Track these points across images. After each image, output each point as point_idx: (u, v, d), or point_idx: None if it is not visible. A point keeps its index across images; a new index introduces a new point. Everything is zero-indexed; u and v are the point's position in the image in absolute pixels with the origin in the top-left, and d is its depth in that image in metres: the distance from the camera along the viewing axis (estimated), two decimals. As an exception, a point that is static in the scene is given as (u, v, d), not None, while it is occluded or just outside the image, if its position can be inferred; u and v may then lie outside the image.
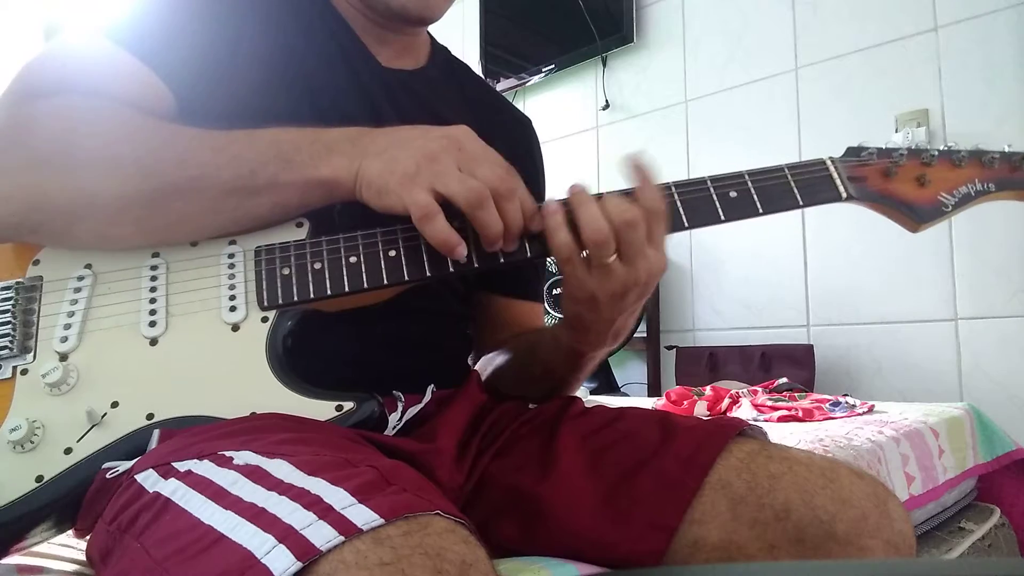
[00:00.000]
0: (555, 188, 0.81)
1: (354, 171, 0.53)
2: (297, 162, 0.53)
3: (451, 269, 0.56)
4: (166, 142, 0.54)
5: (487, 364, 0.78)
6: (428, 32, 0.79)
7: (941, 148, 0.64)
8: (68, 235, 0.55)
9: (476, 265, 0.56)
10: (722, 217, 0.59)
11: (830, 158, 0.63)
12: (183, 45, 0.60)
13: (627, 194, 0.56)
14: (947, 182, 0.63)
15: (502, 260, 0.56)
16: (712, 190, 0.59)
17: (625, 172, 0.57)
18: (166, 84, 0.59)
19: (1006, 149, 0.64)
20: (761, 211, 0.59)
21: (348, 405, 0.54)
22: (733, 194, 0.59)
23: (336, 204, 0.58)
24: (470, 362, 0.81)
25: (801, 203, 0.60)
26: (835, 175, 0.62)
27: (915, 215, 0.62)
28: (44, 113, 0.54)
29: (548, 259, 0.60)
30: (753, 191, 0.60)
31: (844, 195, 0.61)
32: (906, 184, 0.63)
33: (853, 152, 0.64)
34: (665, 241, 0.56)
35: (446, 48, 0.82)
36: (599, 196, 0.56)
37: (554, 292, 2.18)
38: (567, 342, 0.64)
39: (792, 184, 0.61)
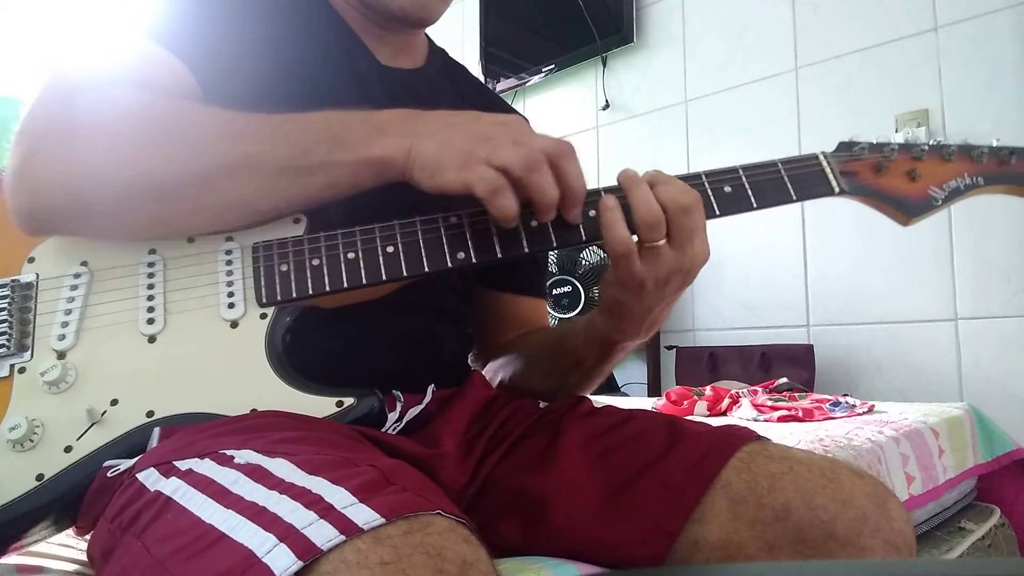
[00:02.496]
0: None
1: (406, 150, 0.53)
2: (350, 141, 0.53)
3: (449, 265, 0.56)
4: (219, 122, 0.54)
5: (499, 368, 0.77)
6: (426, 33, 0.79)
7: (931, 143, 0.64)
8: (120, 219, 0.55)
9: (474, 261, 0.56)
10: (717, 212, 0.59)
11: (823, 152, 0.63)
12: (202, 34, 0.60)
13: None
14: (937, 176, 0.63)
15: (499, 255, 0.56)
16: (707, 185, 0.60)
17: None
18: (194, 76, 0.59)
19: (994, 143, 0.64)
20: (755, 205, 0.60)
21: (348, 401, 0.54)
22: (728, 189, 0.60)
23: (333, 202, 0.58)
24: (470, 361, 0.81)
25: (795, 197, 0.61)
26: (828, 169, 0.62)
27: (906, 209, 0.63)
28: (94, 102, 0.54)
29: (550, 254, 0.60)
30: (747, 185, 0.60)
31: (837, 189, 0.62)
32: (897, 178, 0.63)
33: (845, 147, 0.64)
34: (705, 228, 0.57)
35: (443, 49, 0.82)
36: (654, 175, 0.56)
37: (555, 292, 2.18)
38: (602, 331, 0.64)
39: (785, 178, 0.61)
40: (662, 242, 0.54)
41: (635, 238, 0.55)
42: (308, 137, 0.53)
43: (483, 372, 0.80)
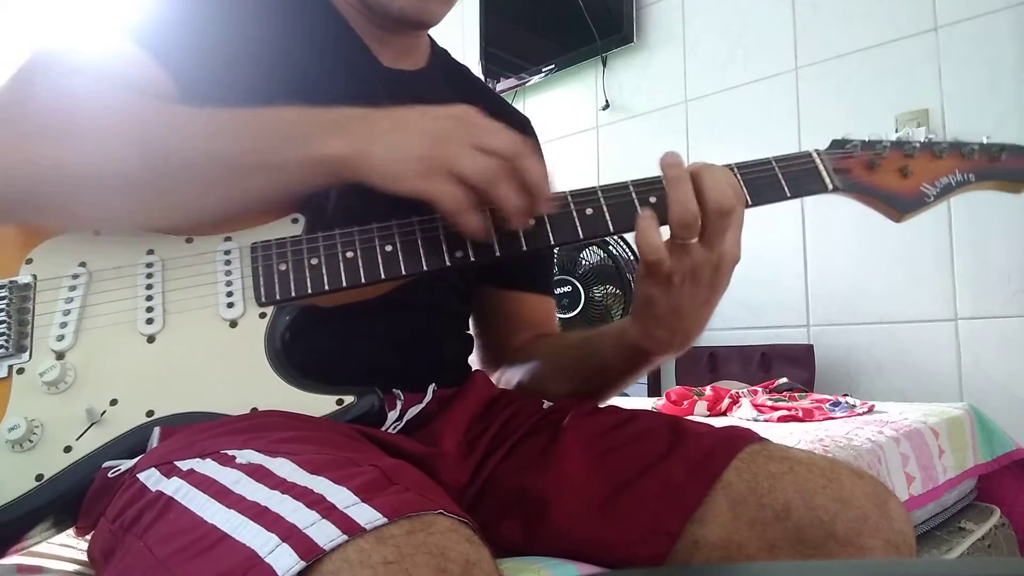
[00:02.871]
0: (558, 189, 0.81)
1: (357, 151, 0.52)
2: (299, 140, 0.53)
3: (448, 263, 0.56)
4: (169, 117, 0.54)
5: (516, 372, 0.77)
6: (428, 34, 0.79)
7: (922, 140, 0.65)
8: (69, 211, 0.55)
9: (472, 259, 0.56)
10: None
11: (816, 150, 0.63)
12: (186, 35, 0.60)
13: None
14: (928, 173, 0.64)
15: (498, 253, 0.56)
16: None
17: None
18: (169, 72, 0.59)
19: (984, 141, 0.65)
20: (749, 203, 0.60)
21: (348, 399, 0.54)
22: None
23: (331, 199, 0.57)
24: (474, 361, 0.81)
25: (788, 195, 0.61)
26: (821, 167, 0.62)
27: (898, 205, 0.63)
28: (46, 89, 0.54)
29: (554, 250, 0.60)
30: (741, 183, 0.60)
31: (830, 186, 0.62)
32: (889, 175, 0.63)
33: (838, 144, 0.65)
34: (742, 227, 0.57)
35: (446, 51, 0.82)
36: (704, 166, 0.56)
37: (558, 291, 2.18)
38: (633, 338, 0.63)
39: (779, 176, 0.61)
40: (695, 240, 0.54)
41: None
42: (256, 134, 0.53)
43: (495, 375, 0.80)
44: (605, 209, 0.57)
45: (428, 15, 0.70)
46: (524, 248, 0.57)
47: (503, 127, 0.54)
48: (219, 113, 0.54)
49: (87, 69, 0.56)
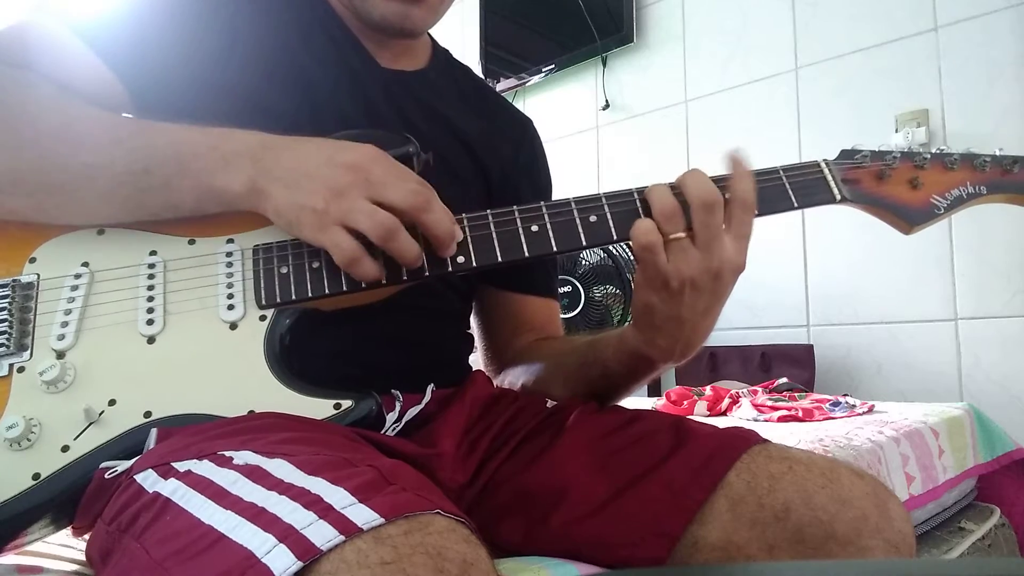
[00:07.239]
0: (558, 189, 0.81)
1: (253, 188, 0.53)
2: (194, 168, 0.53)
3: (450, 269, 0.56)
4: (68, 122, 0.54)
5: (520, 374, 0.76)
6: (429, 34, 0.79)
7: (933, 151, 0.64)
8: None
9: (474, 264, 0.56)
10: None
11: (824, 160, 0.63)
12: (144, 41, 0.61)
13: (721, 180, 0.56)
14: (939, 185, 0.63)
15: (500, 259, 0.56)
16: None
17: (724, 162, 0.58)
18: (117, 76, 0.60)
19: (997, 153, 0.64)
20: (757, 213, 0.60)
21: (346, 403, 0.54)
22: (729, 195, 0.59)
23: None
24: (476, 362, 0.80)
25: (796, 205, 0.61)
26: (829, 177, 0.62)
27: (908, 217, 0.62)
28: None
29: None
30: None
31: (838, 197, 0.62)
32: (899, 186, 0.63)
33: (847, 154, 0.64)
34: (749, 238, 0.56)
35: (447, 51, 0.82)
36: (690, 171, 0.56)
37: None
38: (634, 344, 0.62)
39: (787, 186, 0.61)
40: (682, 234, 0.54)
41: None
42: (150, 156, 0.53)
43: (498, 378, 0.80)
44: (609, 216, 0.57)
45: (411, 23, 0.69)
46: (527, 255, 0.57)
47: (406, 176, 0.53)
48: (127, 124, 0.55)
49: (23, 62, 0.57)
